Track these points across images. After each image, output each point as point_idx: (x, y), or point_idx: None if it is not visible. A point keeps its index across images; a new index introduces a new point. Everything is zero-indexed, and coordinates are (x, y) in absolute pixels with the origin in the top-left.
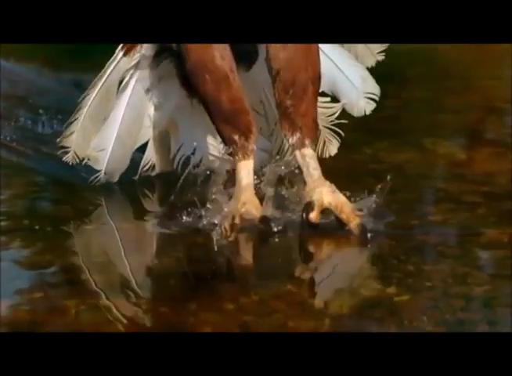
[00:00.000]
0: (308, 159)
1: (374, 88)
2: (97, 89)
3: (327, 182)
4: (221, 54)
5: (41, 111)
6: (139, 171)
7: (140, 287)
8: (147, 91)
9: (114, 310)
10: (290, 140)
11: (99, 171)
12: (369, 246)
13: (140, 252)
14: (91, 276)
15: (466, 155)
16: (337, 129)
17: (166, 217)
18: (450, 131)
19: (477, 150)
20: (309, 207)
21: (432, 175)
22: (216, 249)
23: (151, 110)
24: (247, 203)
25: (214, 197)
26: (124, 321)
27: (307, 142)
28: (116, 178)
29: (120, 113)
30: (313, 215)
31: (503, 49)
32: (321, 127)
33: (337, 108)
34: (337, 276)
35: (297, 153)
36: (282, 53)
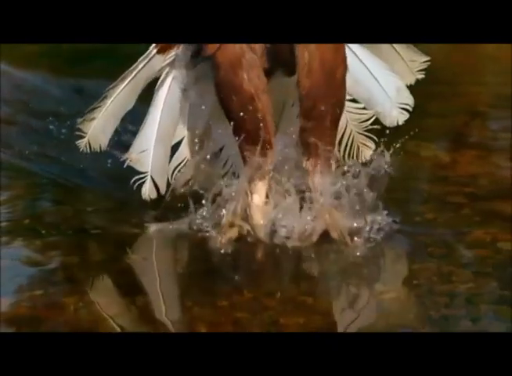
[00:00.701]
0: (316, 185)
1: (408, 99)
2: (125, 82)
3: (332, 210)
4: (249, 76)
5: (43, 116)
6: (171, 173)
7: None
8: (183, 90)
9: (111, 307)
10: (304, 164)
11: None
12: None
13: (137, 252)
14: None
15: (450, 158)
16: (370, 135)
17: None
18: (435, 134)
19: (461, 152)
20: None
21: (417, 177)
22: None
23: (187, 110)
24: (251, 224)
25: (222, 200)
26: (122, 318)
27: (318, 168)
28: (164, 188)
29: (158, 112)
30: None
31: (486, 56)
32: (354, 132)
33: (369, 115)
34: (326, 274)
35: (309, 178)
36: (306, 80)
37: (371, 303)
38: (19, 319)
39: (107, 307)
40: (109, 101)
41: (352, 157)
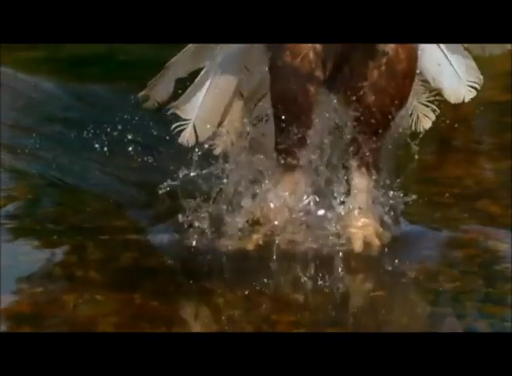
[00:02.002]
0: (355, 186)
1: (477, 78)
2: (185, 49)
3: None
4: (312, 91)
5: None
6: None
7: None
8: (240, 54)
9: (109, 304)
10: (350, 161)
11: None
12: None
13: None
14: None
15: (438, 160)
16: (431, 105)
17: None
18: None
19: (447, 155)
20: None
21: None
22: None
23: (242, 72)
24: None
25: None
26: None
27: (363, 170)
28: (205, 135)
29: (214, 67)
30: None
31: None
32: (416, 102)
33: (433, 87)
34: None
35: (351, 176)
36: (368, 97)
37: (360, 301)
38: (19, 315)
39: (103, 303)
40: (170, 71)
41: (413, 127)
